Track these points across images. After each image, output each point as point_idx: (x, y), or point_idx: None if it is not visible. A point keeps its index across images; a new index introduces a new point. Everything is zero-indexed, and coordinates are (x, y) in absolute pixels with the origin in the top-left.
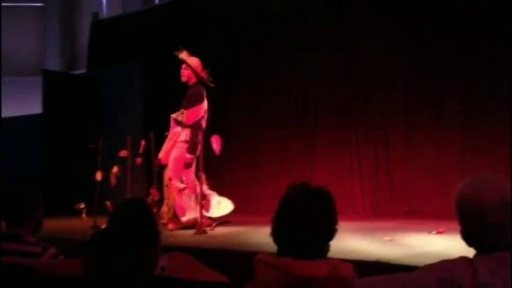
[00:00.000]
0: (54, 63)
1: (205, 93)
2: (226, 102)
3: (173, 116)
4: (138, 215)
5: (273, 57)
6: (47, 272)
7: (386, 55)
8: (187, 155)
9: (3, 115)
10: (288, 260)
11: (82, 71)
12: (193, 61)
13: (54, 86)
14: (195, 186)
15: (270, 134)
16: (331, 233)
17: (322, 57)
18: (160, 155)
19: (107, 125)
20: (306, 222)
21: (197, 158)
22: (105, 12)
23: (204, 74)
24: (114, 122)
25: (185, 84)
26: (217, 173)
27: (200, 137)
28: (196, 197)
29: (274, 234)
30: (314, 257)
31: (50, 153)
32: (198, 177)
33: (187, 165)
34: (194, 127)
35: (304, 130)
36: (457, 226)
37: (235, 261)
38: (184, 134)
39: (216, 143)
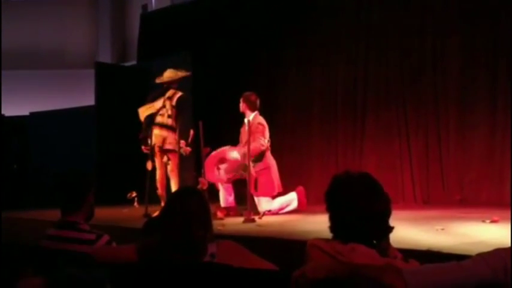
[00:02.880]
0: (105, 56)
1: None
2: (274, 89)
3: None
4: (192, 203)
5: (321, 42)
6: (101, 258)
7: (437, 35)
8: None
9: (58, 107)
10: (344, 250)
11: (133, 62)
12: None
13: (106, 78)
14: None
15: (318, 121)
16: (385, 213)
17: (370, 41)
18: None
19: None
20: (357, 205)
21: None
22: (154, 4)
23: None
24: None
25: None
26: None
27: None
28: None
29: (331, 225)
30: (376, 239)
31: (103, 144)
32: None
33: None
34: None
35: (353, 117)
36: None
37: (283, 249)
38: None
39: None
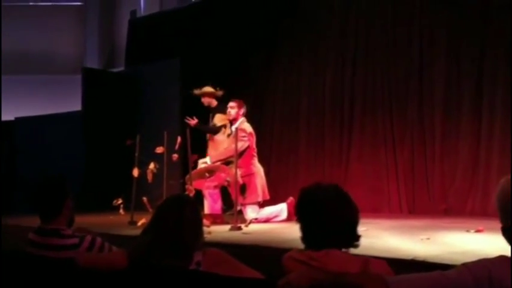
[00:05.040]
0: (93, 61)
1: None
2: (262, 98)
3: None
4: (187, 211)
5: (308, 51)
6: (90, 266)
7: (423, 45)
8: None
9: (45, 112)
10: (318, 255)
11: (120, 68)
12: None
13: (93, 83)
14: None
15: (305, 130)
16: (353, 221)
17: (357, 51)
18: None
19: (144, 122)
20: (327, 213)
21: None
22: (142, 10)
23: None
24: (151, 118)
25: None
26: None
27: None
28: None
29: (302, 235)
30: (345, 246)
31: (89, 150)
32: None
33: None
34: None
35: (339, 126)
36: (496, 225)
37: (268, 257)
38: None
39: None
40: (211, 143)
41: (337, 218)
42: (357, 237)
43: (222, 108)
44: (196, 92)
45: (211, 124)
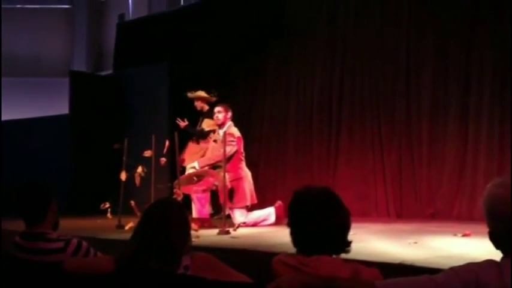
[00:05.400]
0: (81, 65)
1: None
2: (250, 102)
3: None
4: (173, 213)
5: (297, 57)
6: (76, 271)
7: (411, 51)
8: None
9: (32, 115)
10: (309, 260)
11: (108, 72)
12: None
13: (81, 86)
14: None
15: (294, 134)
16: (345, 225)
17: (346, 56)
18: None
19: (132, 125)
20: (317, 218)
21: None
22: (131, 14)
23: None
24: (139, 122)
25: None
26: None
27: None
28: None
29: (293, 238)
30: (336, 252)
31: (77, 153)
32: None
33: None
34: None
35: (327, 130)
36: (483, 229)
37: (257, 261)
38: None
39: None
40: (192, 145)
41: (329, 222)
42: (348, 243)
43: (212, 114)
44: (190, 95)
45: (199, 129)
